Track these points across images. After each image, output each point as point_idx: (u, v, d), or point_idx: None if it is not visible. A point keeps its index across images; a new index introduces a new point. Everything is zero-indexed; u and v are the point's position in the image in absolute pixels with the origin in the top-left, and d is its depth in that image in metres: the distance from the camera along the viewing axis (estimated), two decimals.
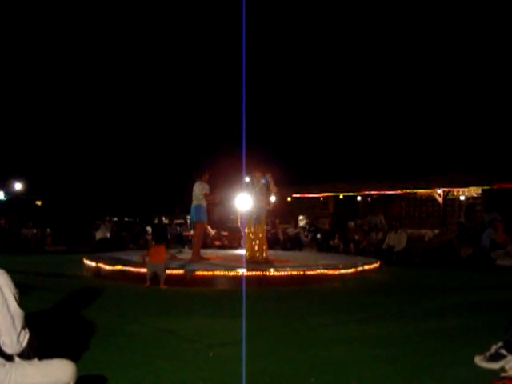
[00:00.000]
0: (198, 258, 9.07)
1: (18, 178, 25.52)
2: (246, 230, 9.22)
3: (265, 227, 9.48)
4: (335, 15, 34.44)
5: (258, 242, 9.05)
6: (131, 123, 34.74)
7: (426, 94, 29.64)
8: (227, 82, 31.36)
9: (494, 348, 3.36)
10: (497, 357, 3.30)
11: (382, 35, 32.55)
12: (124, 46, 36.39)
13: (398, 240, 12.44)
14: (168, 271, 7.42)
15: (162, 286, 7.26)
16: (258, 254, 9.01)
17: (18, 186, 25.42)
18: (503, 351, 3.30)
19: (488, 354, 3.35)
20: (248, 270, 7.58)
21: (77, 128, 32.47)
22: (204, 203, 9.17)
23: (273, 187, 9.19)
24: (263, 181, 9.12)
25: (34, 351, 2.40)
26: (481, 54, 28.46)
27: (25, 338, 2.33)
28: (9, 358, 2.34)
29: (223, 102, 31.56)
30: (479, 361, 3.36)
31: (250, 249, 9.11)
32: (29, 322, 2.42)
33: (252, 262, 8.68)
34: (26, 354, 2.36)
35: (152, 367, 3.34)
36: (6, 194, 25.58)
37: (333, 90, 31.64)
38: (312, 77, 33.39)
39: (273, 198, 9.79)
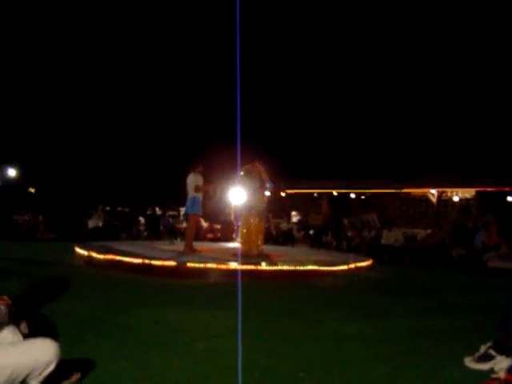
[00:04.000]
0: (190, 251, 9.06)
1: (12, 164, 25.33)
2: (243, 223, 9.13)
3: (263, 222, 9.41)
4: (331, 11, 34.37)
5: (254, 236, 8.99)
6: (125, 114, 34.58)
7: (423, 95, 29.69)
8: (222, 75, 31.22)
9: (483, 348, 3.35)
10: (486, 358, 3.29)
11: (381, 35, 32.53)
12: (121, 40, 36.14)
13: (393, 238, 12.46)
14: (160, 262, 7.34)
15: None
16: (253, 248, 8.93)
17: (12, 173, 25.24)
18: (492, 352, 3.29)
19: (477, 354, 3.34)
20: (240, 264, 7.57)
21: (71, 117, 32.31)
22: (199, 195, 9.15)
23: (265, 176, 9.09)
24: (268, 184, 9.07)
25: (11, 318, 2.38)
26: (480, 55, 28.52)
27: None
28: None
29: (218, 94, 31.48)
30: (469, 362, 3.35)
31: (246, 242, 9.03)
32: (18, 309, 2.39)
33: (246, 256, 8.64)
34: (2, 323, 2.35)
35: (142, 358, 3.33)
36: (0, 180, 25.40)
37: (329, 86, 31.63)
38: (308, 72, 33.35)
39: (267, 193, 9.75)
